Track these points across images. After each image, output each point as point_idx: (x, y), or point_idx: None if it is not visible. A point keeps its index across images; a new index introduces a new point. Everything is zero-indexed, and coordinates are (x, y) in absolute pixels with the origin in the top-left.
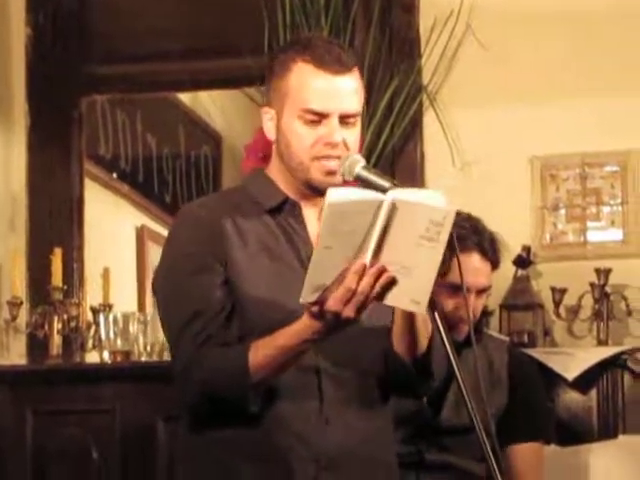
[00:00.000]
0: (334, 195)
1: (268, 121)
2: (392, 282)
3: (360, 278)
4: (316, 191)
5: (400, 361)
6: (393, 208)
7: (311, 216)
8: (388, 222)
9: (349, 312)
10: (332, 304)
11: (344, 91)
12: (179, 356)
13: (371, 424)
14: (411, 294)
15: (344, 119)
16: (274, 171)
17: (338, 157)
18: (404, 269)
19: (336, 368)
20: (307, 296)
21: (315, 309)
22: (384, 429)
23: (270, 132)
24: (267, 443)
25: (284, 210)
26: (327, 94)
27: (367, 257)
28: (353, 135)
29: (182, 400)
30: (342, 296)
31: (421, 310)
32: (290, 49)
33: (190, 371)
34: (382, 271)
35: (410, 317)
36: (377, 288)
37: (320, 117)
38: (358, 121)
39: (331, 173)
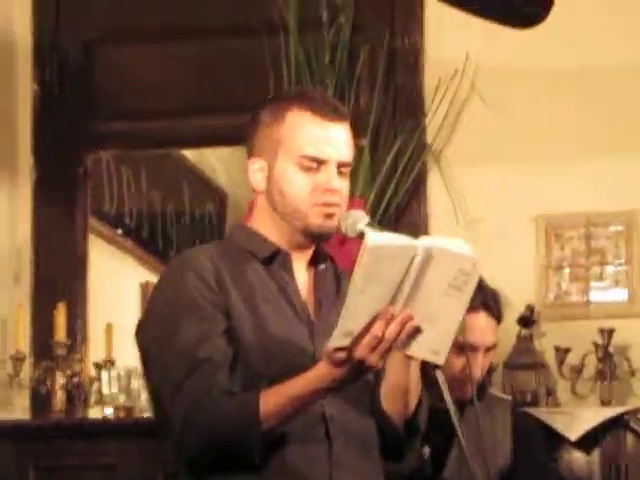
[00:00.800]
0: (374, 239)
1: (256, 172)
2: (417, 331)
3: (387, 325)
4: (313, 237)
5: (391, 424)
6: (429, 255)
7: (299, 267)
8: (422, 269)
9: (374, 359)
10: (359, 351)
11: (341, 139)
12: (180, 405)
13: (372, 468)
14: (432, 344)
15: (339, 168)
16: (260, 222)
17: (336, 204)
18: (429, 318)
19: (342, 414)
20: (336, 341)
21: (342, 355)
22: (380, 474)
23: (258, 183)
24: None
25: (276, 261)
26: (325, 141)
27: (398, 304)
28: (346, 186)
29: (181, 451)
30: (369, 343)
31: (440, 361)
32: (282, 99)
33: (193, 419)
34: (409, 319)
35: (405, 375)
36: (402, 336)
37: (318, 164)
38: (348, 173)
39: (329, 217)
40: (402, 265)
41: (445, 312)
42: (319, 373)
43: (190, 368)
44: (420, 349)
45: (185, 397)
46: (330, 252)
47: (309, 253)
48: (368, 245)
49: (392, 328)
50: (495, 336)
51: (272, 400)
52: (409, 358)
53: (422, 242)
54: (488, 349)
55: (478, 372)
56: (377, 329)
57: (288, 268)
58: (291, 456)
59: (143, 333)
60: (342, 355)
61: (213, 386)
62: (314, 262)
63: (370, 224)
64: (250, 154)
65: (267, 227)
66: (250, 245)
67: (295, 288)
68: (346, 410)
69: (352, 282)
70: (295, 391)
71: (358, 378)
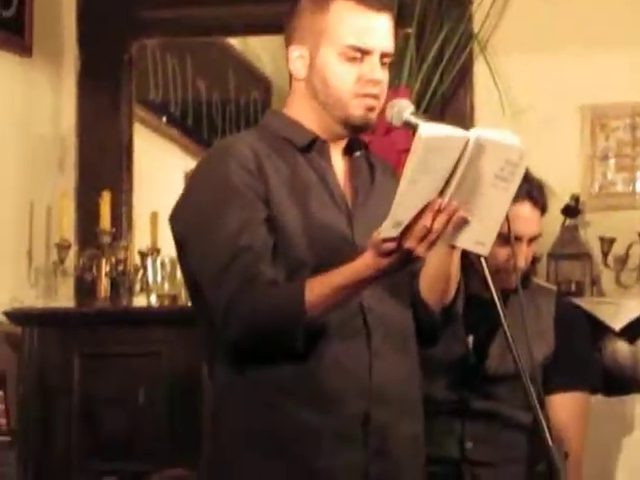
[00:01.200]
0: (428, 130)
1: (296, 59)
2: (463, 222)
3: (435, 217)
4: (352, 128)
5: (429, 312)
6: (479, 146)
7: (335, 155)
8: (471, 160)
9: (421, 250)
10: (408, 241)
11: (384, 30)
12: (223, 290)
13: (409, 361)
14: (477, 236)
15: (382, 59)
16: (298, 110)
17: (377, 95)
18: (476, 209)
19: (379, 305)
20: (386, 232)
21: (391, 245)
22: (416, 366)
23: (299, 70)
24: (316, 381)
25: (313, 149)
26: (370, 31)
27: (447, 195)
28: (387, 76)
29: (222, 337)
30: (418, 233)
31: (485, 252)
32: None
33: (237, 307)
34: (456, 210)
35: (447, 264)
36: (450, 227)
37: (362, 54)
38: (388, 64)
39: (371, 109)
40: (453, 156)
41: (491, 203)
42: (365, 263)
43: (232, 255)
44: (466, 240)
45: (228, 285)
46: (371, 141)
47: (343, 143)
48: (422, 136)
49: (440, 219)
50: (539, 227)
51: (317, 289)
52: (453, 248)
53: (472, 133)
54: (531, 239)
55: (522, 262)
56: (426, 220)
57: (326, 156)
58: (331, 347)
59: (180, 219)
60: (391, 245)
61: (256, 274)
62: (349, 150)
63: (414, 113)
64: (290, 41)
65: (305, 115)
66: (288, 133)
67: (333, 176)
68: (383, 301)
69: (404, 173)
70: (340, 280)
71: (403, 268)
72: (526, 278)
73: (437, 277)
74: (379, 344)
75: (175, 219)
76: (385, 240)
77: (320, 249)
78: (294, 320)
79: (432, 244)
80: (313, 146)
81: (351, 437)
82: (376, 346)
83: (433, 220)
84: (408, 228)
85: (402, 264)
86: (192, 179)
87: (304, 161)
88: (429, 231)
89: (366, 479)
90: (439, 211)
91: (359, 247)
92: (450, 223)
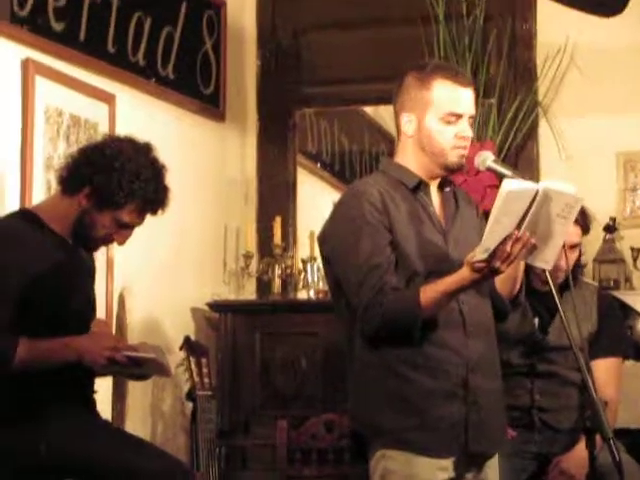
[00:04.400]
0: (509, 185)
1: (407, 123)
2: (534, 247)
3: (514, 245)
4: (449, 170)
5: (502, 299)
6: (546, 196)
7: (432, 190)
8: (540, 204)
9: (504, 267)
10: (494, 261)
11: (470, 99)
12: (363, 297)
13: (491, 339)
14: (544, 256)
15: (468, 119)
16: (407, 159)
17: (467, 147)
18: (543, 238)
19: (471, 299)
20: (480, 255)
21: (482, 265)
22: (495, 344)
23: (409, 130)
24: (428, 355)
25: (420, 189)
26: (461, 101)
27: (522, 229)
28: (472, 132)
29: (363, 331)
30: (502, 256)
31: (549, 267)
32: (424, 69)
33: (374, 308)
34: (529, 239)
35: (516, 271)
36: (524, 251)
37: (457, 118)
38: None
39: (463, 157)
40: (526, 202)
41: (554, 233)
42: (462, 275)
43: (369, 270)
44: (536, 259)
45: (364, 294)
46: (466, 180)
47: (437, 181)
48: (504, 190)
49: (517, 246)
50: (578, 238)
51: (428, 294)
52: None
53: (541, 185)
54: (572, 247)
55: (564, 263)
56: (507, 246)
57: (428, 193)
58: (438, 331)
59: (327, 243)
60: (482, 265)
61: (384, 284)
62: (441, 186)
63: (496, 160)
64: (400, 109)
65: (412, 162)
66: (401, 176)
67: (433, 207)
68: (473, 297)
69: (491, 215)
70: (444, 288)
71: (488, 280)
72: (575, 277)
73: (508, 279)
74: (471, 328)
75: (322, 242)
76: (478, 261)
77: (428, 261)
78: (413, 317)
79: (511, 263)
80: (420, 186)
81: (455, 395)
82: (469, 329)
83: (512, 247)
84: (494, 252)
85: (489, 277)
86: (335, 213)
87: (413, 197)
88: (509, 255)
89: (467, 424)
90: (517, 240)
91: (451, 257)
92: (524, 249)
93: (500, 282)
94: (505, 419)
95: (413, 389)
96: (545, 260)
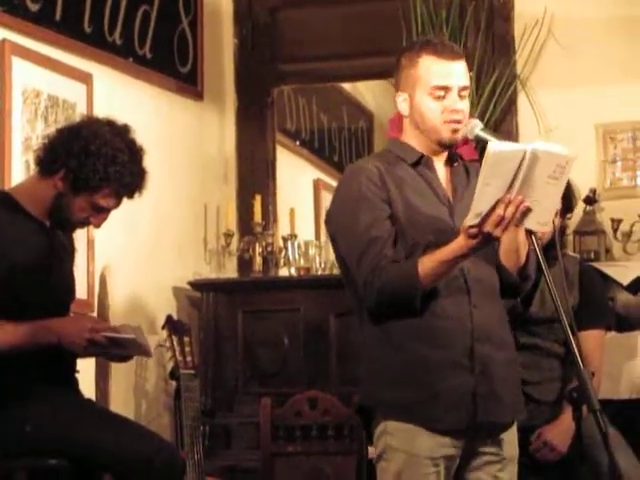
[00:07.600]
0: (494, 147)
1: (402, 102)
2: (528, 210)
3: (507, 207)
4: (444, 146)
5: (507, 271)
6: (535, 156)
7: (439, 166)
8: (530, 166)
9: (498, 232)
10: (487, 226)
11: (459, 71)
12: (362, 272)
13: (498, 308)
14: (539, 218)
15: (460, 92)
16: (408, 137)
17: (459, 120)
18: (536, 201)
19: (475, 269)
20: (470, 221)
21: (474, 230)
22: (504, 314)
23: (404, 110)
24: (432, 326)
25: (421, 163)
26: (447, 74)
27: (513, 192)
28: (466, 105)
29: (364, 303)
30: (494, 220)
31: (546, 229)
32: (413, 48)
33: (372, 282)
34: (521, 202)
35: (516, 241)
36: (517, 215)
37: (444, 91)
38: (467, 95)
39: (456, 131)
40: (515, 163)
41: (548, 194)
42: (458, 243)
43: (367, 244)
44: (531, 223)
45: (364, 266)
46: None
47: (444, 156)
48: (490, 151)
49: (510, 209)
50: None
51: (426, 264)
52: (517, 227)
53: (529, 146)
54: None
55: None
56: (499, 210)
57: (430, 167)
58: (441, 301)
59: (331, 222)
60: (475, 230)
61: (383, 257)
62: (449, 162)
63: (483, 129)
64: (396, 89)
65: (413, 140)
66: (402, 153)
67: (437, 180)
68: (477, 264)
69: (479, 178)
70: (442, 256)
71: (486, 246)
72: (561, 248)
73: (510, 250)
74: (476, 297)
75: (327, 222)
76: (470, 226)
77: (428, 234)
78: (411, 288)
79: (505, 228)
80: (421, 161)
81: (461, 365)
82: (474, 299)
83: (505, 210)
84: (486, 217)
85: (485, 243)
86: (336, 192)
87: (414, 173)
88: (502, 218)
89: (474, 396)
90: (508, 203)
91: (457, 230)
92: (517, 211)
93: (503, 255)
94: (520, 389)
95: (418, 361)
96: (541, 223)
